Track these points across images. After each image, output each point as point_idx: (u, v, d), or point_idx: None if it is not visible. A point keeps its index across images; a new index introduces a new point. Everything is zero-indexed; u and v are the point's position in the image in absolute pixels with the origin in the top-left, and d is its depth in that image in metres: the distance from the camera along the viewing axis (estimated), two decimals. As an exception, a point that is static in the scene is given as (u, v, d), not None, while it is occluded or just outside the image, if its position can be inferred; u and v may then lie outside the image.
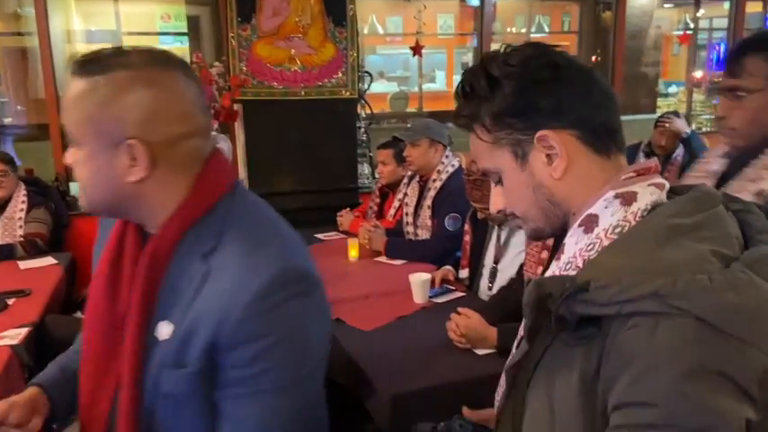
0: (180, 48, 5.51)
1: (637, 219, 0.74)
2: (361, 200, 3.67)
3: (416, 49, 4.20)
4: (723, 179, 1.38)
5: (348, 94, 3.54)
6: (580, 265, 0.75)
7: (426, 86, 10.19)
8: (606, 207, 0.76)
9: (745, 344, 0.62)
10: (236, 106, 3.43)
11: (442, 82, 11.19)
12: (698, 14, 10.03)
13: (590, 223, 0.77)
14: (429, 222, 2.85)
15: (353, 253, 2.78)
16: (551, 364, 0.74)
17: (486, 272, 2.35)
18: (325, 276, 2.70)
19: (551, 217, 0.83)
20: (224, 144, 3.40)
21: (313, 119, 3.51)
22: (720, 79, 1.33)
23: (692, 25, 10.09)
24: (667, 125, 3.63)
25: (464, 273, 2.48)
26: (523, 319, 0.78)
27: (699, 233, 0.70)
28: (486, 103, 0.81)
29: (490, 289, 2.29)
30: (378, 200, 3.40)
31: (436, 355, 1.86)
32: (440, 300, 2.28)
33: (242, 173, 3.68)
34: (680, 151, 3.68)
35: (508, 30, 10.86)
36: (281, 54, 3.39)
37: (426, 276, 2.29)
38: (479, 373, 1.75)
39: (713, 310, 0.61)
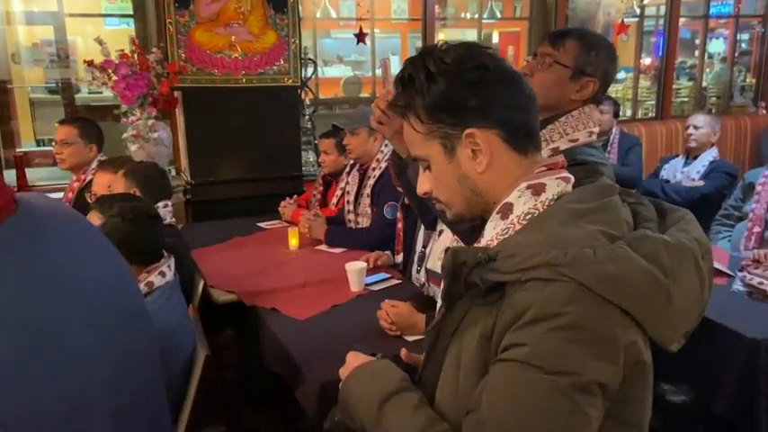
0: (126, 29, 5.37)
1: (545, 206, 0.84)
2: (305, 188, 3.68)
3: (360, 36, 4.19)
4: None
5: (291, 81, 3.52)
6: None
7: (381, 71, 10.15)
8: (520, 196, 0.86)
9: (617, 310, 0.72)
10: (175, 93, 3.38)
11: (396, 67, 11.12)
12: (644, 2, 10.26)
13: (506, 211, 0.87)
14: (369, 210, 2.88)
15: (294, 242, 2.79)
16: (464, 327, 0.84)
17: (415, 257, 2.40)
18: (264, 265, 2.72)
19: (472, 205, 0.92)
20: (163, 132, 3.35)
21: (256, 106, 3.48)
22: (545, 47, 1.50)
23: (638, 12, 10.30)
24: (604, 105, 3.76)
25: (399, 258, 2.53)
26: (441, 285, 0.88)
27: (593, 216, 0.80)
28: (421, 95, 0.89)
29: (419, 272, 2.34)
30: (321, 188, 3.41)
31: (367, 343, 1.88)
32: (376, 287, 2.32)
33: (183, 161, 3.64)
34: (616, 130, 3.81)
35: (462, 15, 10.90)
36: (220, 41, 3.35)
37: (362, 265, 2.32)
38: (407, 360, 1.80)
39: (594, 278, 0.72)
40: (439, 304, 0.91)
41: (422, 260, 2.30)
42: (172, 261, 1.66)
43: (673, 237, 0.79)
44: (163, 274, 1.60)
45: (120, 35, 6.89)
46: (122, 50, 3.21)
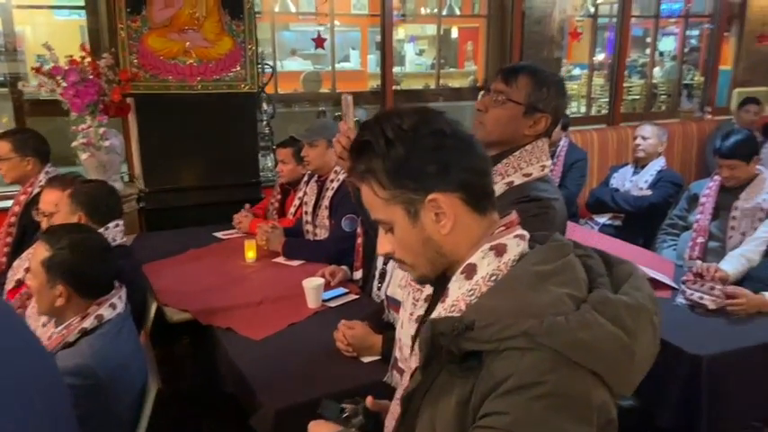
0: (77, 20, 5.19)
1: (508, 267, 0.88)
2: (263, 194, 3.65)
3: (318, 42, 4.17)
4: None
5: (247, 88, 3.48)
6: (463, 307, 0.88)
7: (340, 66, 10.09)
8: (483, 258, 0.90)
9: (589, 373, 0.77)
10: (128, 100, 3.31)
11: (357, 61, 11.08)
12: (598, 1, 10.46)
13: (470, 272, 0.90)
14: (327, 222, 2.88)
15: (251, 254, 2.78)
16: (437, 393, 0.86)
17: (376, 272, 2.41)
18: (220, 281, 2.69)
19: (437, 265, 0.95)
20: (115, 140, 3.28)
21: (212, 113, 3.44)
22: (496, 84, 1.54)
23: (592, 11, 10.50)
24: None
25: (358, 274, 2.54)
26: (418, 354, 0.90)
27: (557, 278, 0.85)
28: (381, 160, 0.91)
29: (379, 288, 2.36)
30: (279, 197, 3.39)
31: (323, 365, 1.91)
32: (333, 304, 2.32)
33: (137, 169, 3.57)
34: (564, 142, 3.88)
35: (421, 10, 10.92)
36: (174, 47, 3.28)
37: (319, 281, 2.33)
38: (364, 381, 1.81)
39: (569, 346, 0.76)
40: (410, 370, 0.93)
41: (383, 277, 2.32)
42: (123, 292, 1.64)
43: (631, 297, 0.84)
44: (113, 306, 1.58)
45: (70, 26, 6.67)
46: (71, 56, 3.11)
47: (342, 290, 2.43)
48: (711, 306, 2.18)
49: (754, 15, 10.11)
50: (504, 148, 1.55)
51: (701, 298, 2.21)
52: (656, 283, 2.43)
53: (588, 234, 3.32)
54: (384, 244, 0.97)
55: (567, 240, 0.94)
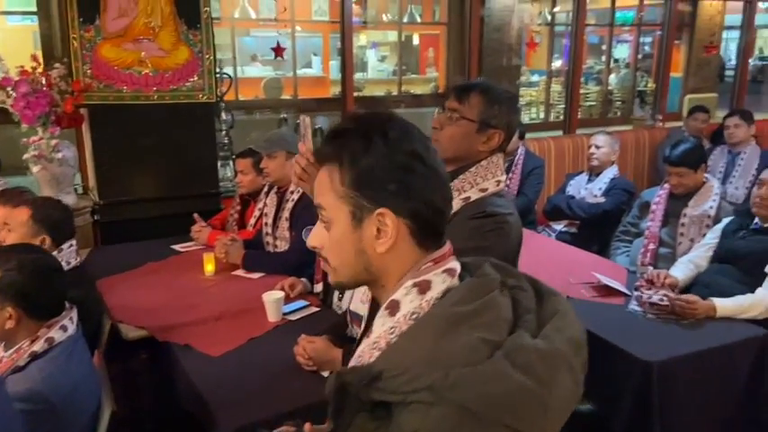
0: (31, 26, 5.05)
1: (430, 305, 0.85)
2: (223, 205, 3.61)
3: (278, 51, 4.15)
4: None
5: (205, 98, 3.45)
6: (383, 346, 0.86)
7: (302, 71, 10.04)
8: (406, 294, 0.87)
9: (501, 426, 0.75)
10: (81, 111, 3.24)
11: (318, 67, 11.06)
12: (554, 9, 10.68)
13: (393, 308, 0.87)
14: (288, 234, 2.86)
15: (209, 267, 2.74)
16: None
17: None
18: (178, 295, 2.65)
19: (359, 279, 0.93)
20: (68, 152, 3.21)
21: (169, 123, 3.39)
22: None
23: (549, 19, 10.72)
24: None
25: (318, 287, 2.54)
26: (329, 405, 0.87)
27: (475, 320, 0.82)
28: (350, 159, 0.87)
29: (340, 300, 2.36)
30: (239, 207, 3.36)
31: (283, 380, 1.89)
32: (293, 317, 2.31)
33: (91, 180, 3.49)
34: (521, 151, 3.95)
35: (383, 18, 10.96)
36: (129, 56, 3.23)
37: (279, 294, 2.32)
38: (324, 396, 1.81)
39: (475, 400, 0.74)
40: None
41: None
42: (74, 313, 1.60)
43: (549, 342, 0.82)
44: (64, 328, 1.55)
45: (23, 32, 6.48)
46: (22, 66, 3.03)
47: (302, 302, 2.42)
48: (667, 309, 2.25)
49: (704, 25, 10.47)
50: (460, 165, 1.58)
51: (660, 301, 2.27)
52: (610, 290, 2.50)
53: (546, 242, 3.39)
54: (317, 237, 0.94)
55: (494, 273, 0.91)
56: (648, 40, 12.80)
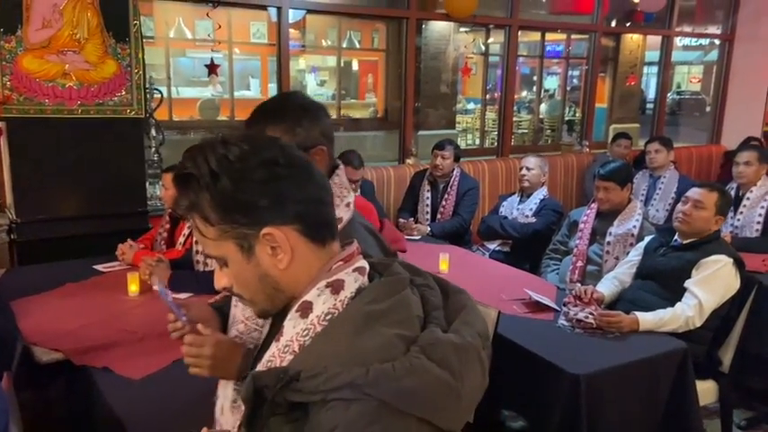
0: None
1: (344, 305, 0.84)
2: (151, 224, 3.48)
3: (212, 68, 4.09)
4: None
5: (133, 113, 3.34)
6: (296, 349, 0.84)
7: (240, 93, 9.96)
8: (319, 295, 0.85)
9: (414, 419, 0.75)
10: (-1, 124, 3.07)
11: (257, 89, 11.02)
12: (489, 41, 11.05)
13: (305, 310, 0.85)
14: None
15: (134, 288, 2.62)
16: None
17: None
18: (98, 317, 2.52)
19: (276, 301, 0.90)
20: (-17, 167, 3.03)
21: (94, 139, 3.26)
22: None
23: (483, 49, 11.09)
24: (446, 151, 3.97)
25: None
26: (240, 408, 0.86)
27: (389, 318, 0.82)
28: (207, 194, 0.83)
29: None
30: (167, 226, 3.25)
31: (208, 402, 1.82)
32: (221, 337, 2.24)
33: (8, 197, 3.30)
34: (457, 172, 4.03)
35: (322, 43, 11.04)
36: (52, 69, 3.10)
37: (207, 313, 2.24)
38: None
39: (395, 395, 0.74)
40: (238, 424, 0.88)
41: None
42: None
43: (460, 336, 0.83)
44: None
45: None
46: (-68, 75, 2.86)
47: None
48: (595, 324, 2.31)
49: (625, 58, 11.09)
50: None
51: (586, 317, 2.33)
52: (541, 306, 2.54)
53: (480, 261, 3.44)
54: (220, 278, 0.91)
55: (404, 272, 0.91)
56: (576, 72, 13.47)
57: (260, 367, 0.88)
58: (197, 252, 2.90)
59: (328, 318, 0.84)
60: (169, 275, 2.68)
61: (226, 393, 1.29)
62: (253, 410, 0.81)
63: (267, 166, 0.84)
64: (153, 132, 3.72)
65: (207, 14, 3.90)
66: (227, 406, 1.26)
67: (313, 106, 1.38)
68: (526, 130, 10.62)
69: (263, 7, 6.44)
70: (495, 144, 8.89)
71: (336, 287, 0.86)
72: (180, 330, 1.28)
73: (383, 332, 0.80)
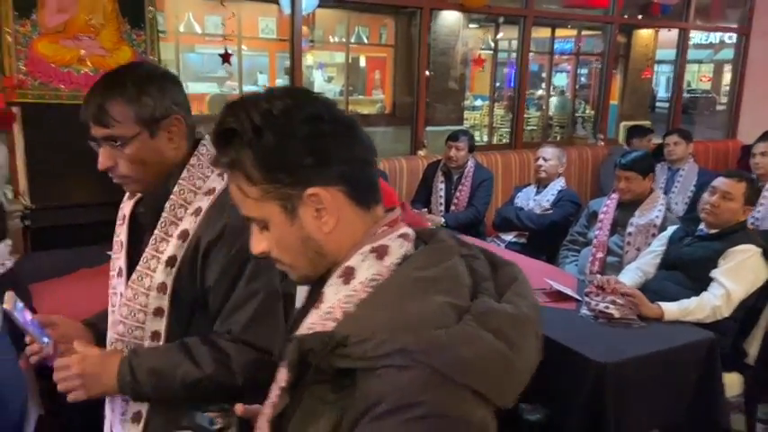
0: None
1: (390, 271, 0.80)
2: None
3: (225, 57, 4.06)
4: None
5: (148, 100, 3.31)
6: (338, 316, 0.79)
7: (248, 88, 9.98)
8: (363, 260, 0.81)
9: (469, 391, 0.71)
10: (13, 109, 3.05)
11: (265, 84, 11.05)
12: (498, 36, 11.00)
13: (348, 275, 0.81)
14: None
15: (150, 274, 2.60)
16: (307, 416, 0.77)
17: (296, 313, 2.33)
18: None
19: (318, 266, 0.86)
20: (-2, 152, 3.00)
21: (108, 126, 3.23)
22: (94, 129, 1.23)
23: (492, 45, 11.05)
24: (460, 142, 3.93)
25: None
26: (283, 372, 0.80)
27: (439, 285, 0.78)
28: (249, 151, 0.79)
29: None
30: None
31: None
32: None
33: (22, 184, 3.28)
34: (471, 164, 3.99)
35: (330, 38, 11.02)
36: (68, 54, 3.07)
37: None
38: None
39: (449, 364, 0.70)
40: (276, 389, 0.83)
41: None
42: None
43: (516, 307, 0.79)
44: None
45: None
46: (-53, 59, 2.84)
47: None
48: (616, 314, 2.26)
49: (637, 54, 11.02)
50: (163, 179, 1.27)
51: (607, 307, 2.28)
52: (561, 295, 2.50)
53: (496, 251, 3.39)
54: (259, 242, 0.86)
55: (451, 240, 0.87)
56: (584, 71, 13.41)
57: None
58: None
59: (372, 283, 0.79)
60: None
61: (113, 407, 1.28)
62: (297, 376, 0.77)
63: (312, 121, 0.79)
64: (166, 121, 3.69)
65: (222, 3, 3.86)
66: (117, 421, 1.26)
67: (160, 73, 1.29)
68: (535, 127, 10.58)
69: (274, 0, 6.43)
70: (504, 140, 8.86)
71: (381, 252, 0.81)
72: (39, 354, 1.25)
73: (433, 299, 0.76)
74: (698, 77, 17.19)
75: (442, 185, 4.00)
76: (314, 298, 0.86)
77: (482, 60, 7.29)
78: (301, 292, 2.13)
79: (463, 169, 3.95)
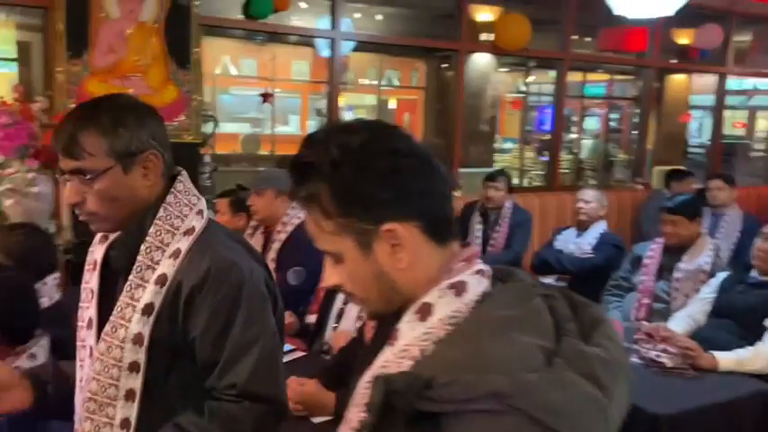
0: (7, 74, 4.99)
1: (469, 309, 0.77)
2: (202, 249, 3.47)
3: (266, 98, 4.14)
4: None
5: (191, 138, 3.38)
6: (416, 353, 0.76)
7: (279, 129, 10.16)
8: (441, 297, 0.78)
9: None
10: (61, 145, 3.12)
11: (296, 126, 11.24)
12: (528, 80, 11.08)
13: (425, 312, 0.78)
14: (273, 276, 2.74)
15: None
16: None
17: (333, 313, 2.32)
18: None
19: (391, 301, 0.83)
20: (44, 187, 3.06)
21: (151, 163, 3.29)
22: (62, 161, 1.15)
23: (523, 88, 11.12)
24: (498, 183, 3.91)
25: (311, 318, 2.43)
26: (355, 412, 0.77)
27: (523, 326, 0.75)
28: (326, 185, 0.78)
29: (335, 329, 2.27)
30: (219, 250, 3.24)
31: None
32: (279, 361, 2.19)
33: (65, 218, 3.33)
34: (509, 204, 3.95)
35: (360, 81, 11.22)
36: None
37: (265, 337, 2.19)
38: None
39: (543, 409, 0.66)
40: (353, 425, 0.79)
41: (340, 317, 2.25)
42: (45, 341, 1.45)
43: (606, 350, 0.76)
44: (33, 356, 1.40)
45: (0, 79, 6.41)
46: (2, 98, 2.93)
47: (288, 346, 2.29)
48: (668, 364, 2.18)
49: (670, 99, 10.97)
50: (137, 219, 1.18)
51: (658, 356, 2.20)
52: (609, 342, 2.42)
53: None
54: (331, 275, 0.84)
55: (529, 279, 0.84)
56: (614, 115, 13.39)
57: (370, 374, 0.80)
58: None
59: (452, 321, 0.76)
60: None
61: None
62: (378, 419, 0.72)
63: (390, 156, 0.78)
64: (207, 158, 3.75)
65: (264, 43, 3.94)
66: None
67: (140, 107, 1.21)
68: (567, 170, 10.51)
69: (309, 44, 6.59)
70: (533, 183, 8.80)
71: (460, 289, 0.78)
72: None
73: (520, 340, 0.73)
74: (732, 123, 17.02)
75: (480, 226, 3.97)
76: (382, 334, 0.83)
77: (520, 102, 7.32)
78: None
79: (501, 210, 3.92)
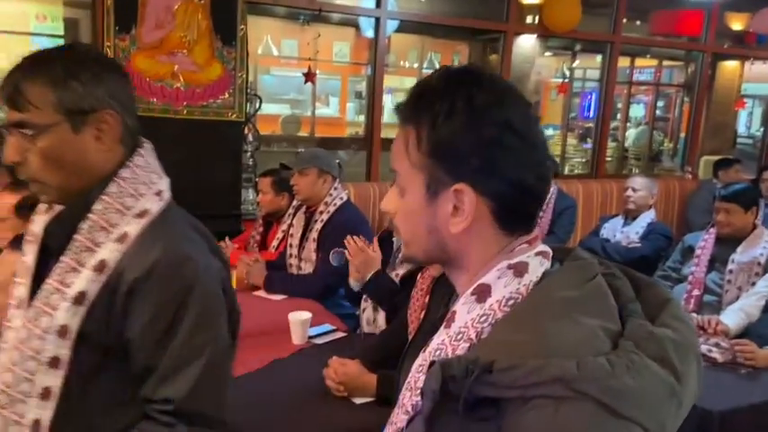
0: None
1: (528, 290, 0.74)
2: (244, 227, 3.50)
3: (309, 76, 4.12)
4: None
5: (234, 116, 3.38)
6: (473, 336, 0.73)
7: (319, 111, 10.16)
8: (499, 278, 0.75)
9: (636, 425, 0.63)
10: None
11: (335, 108, 11.23)
12: (573, 65, 10.81)
13: (483, 293, 0.75)
14: (314, 256, 2.74)
15: (230, 286, 2.61)
16: None
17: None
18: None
19: (432, 256, 0.82)
20: None
21: (196, 140, 3.31)
22: None
23: (567, 74, 10.86)
24: None
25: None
26: (421, 401, 0.73)
27: (586, 307, 0.71)
28: (431, 123, 0.75)
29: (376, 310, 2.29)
30: (261, 229, 3.25)
31: (310, 406, 1.76)
32: (319, 341, 2.19)
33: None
34: (554, 190, 3.85)
35: (401, 63, 11.13)
36: (162, 69, 3.18)
37: (306, 316, 2.18)
38: (355, 425, 1.66)
39: (612, 394, 0.63)
40: (405, 416, 0.77)
41: None
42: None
43: (676, 331, 0.71)
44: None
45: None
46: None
47: (328, 327, 2.29)
48: (720, 359, 2.10)
49: (720, 87, 10.58)
50: (85, 192, 1.02)
51: (710, 351, 2.12)
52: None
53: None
54: (390, 200, 0.83)
55: (590, 258, 0.79)
56: (660, 103, 12.99)
57: (424, 357, 0.77)
58: (291, 255, 2.86)
59: (510, 303, 0.73)
60: (265, 276, 2.66)
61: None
62: (435, 405, 0.69)
63: (500, 127, 0.74)
64: (250, 138, 3.76)
65: (307, 23, 3.92)
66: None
67: (102, 60, 1.06)
68: (610, 159, 10.27)
69: (352, 24, 6.53)
70: (575, 171, 8.61)
71: (520, 270, 0.74)
72: None
73: (584, 322, 0.69)
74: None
75: (522, 211, 3.89)
76: (432, 315, 0.81)
77: (566, 86, 7.13)
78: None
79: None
